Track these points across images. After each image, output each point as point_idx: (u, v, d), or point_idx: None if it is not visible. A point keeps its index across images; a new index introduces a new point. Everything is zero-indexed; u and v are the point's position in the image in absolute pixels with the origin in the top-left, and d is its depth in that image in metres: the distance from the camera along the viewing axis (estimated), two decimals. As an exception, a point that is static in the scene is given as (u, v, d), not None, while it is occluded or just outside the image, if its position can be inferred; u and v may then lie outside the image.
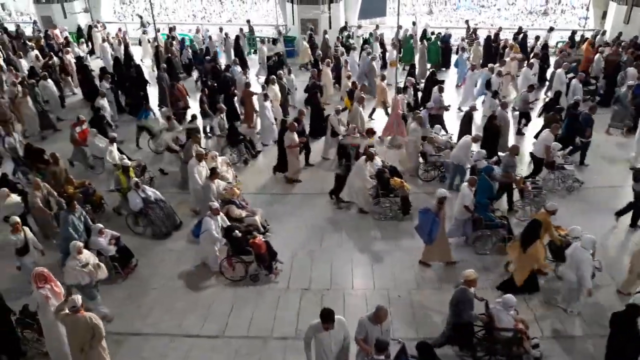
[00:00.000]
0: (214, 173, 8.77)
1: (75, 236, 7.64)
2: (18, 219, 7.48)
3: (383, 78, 13.19)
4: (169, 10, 31.53)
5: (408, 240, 8.53)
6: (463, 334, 6.04)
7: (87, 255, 6.99)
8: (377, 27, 18.35)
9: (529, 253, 6.89)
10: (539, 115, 13.08)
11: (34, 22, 23.27)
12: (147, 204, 8.55)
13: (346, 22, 19.70)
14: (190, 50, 17.46)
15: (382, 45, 17.45)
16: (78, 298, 5.69)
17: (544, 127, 11.05)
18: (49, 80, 13.23)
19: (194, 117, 11.40)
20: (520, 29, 18.20)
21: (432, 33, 18.43)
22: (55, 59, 16.30)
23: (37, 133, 12.74)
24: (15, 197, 8.58)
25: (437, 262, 7.84)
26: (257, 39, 20.06)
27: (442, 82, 13.49)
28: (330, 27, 18.92)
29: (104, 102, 12.00)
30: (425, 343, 5.48)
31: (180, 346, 6.76)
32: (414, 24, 19.40)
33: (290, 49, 19.10)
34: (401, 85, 13.65)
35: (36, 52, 17.33)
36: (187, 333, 6.96)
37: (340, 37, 17.97)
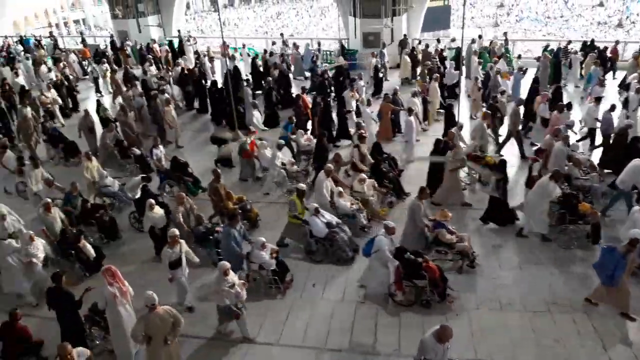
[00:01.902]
0: (339, 193, 8.64)
1: (239, 250, 7.47)
2: (177, 232, 7.23)
3: (503, 92, 12.39)
4: (231, 26, 32.25)
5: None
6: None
7: (233, 276, 6.71)
8: (474, 40, 17.52)
9: None
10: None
11: (111, 36, 23.87)
12: (331, 228, 8.07)
13: (405, 35, 19.23)
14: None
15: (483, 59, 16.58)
16: (154, 295, 5.71)
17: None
18: (165, 95, 13.13)
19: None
20: (592, 41, 17.14)
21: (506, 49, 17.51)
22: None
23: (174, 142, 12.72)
24: (159, 210, 8.34)
25: (610, 305, 6.92)
26: (329, 52, 19.88)
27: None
28: (392, 41, 18.64)
29: (256, 114, 11.69)
30: None
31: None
32: (480, 37, 18.58)
33: (352, 62, 18.75)
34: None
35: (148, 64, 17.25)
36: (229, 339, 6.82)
37: (438, 49, 17.32)
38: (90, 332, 6.63)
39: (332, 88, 14.64)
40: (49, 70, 16.92)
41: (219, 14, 15.05)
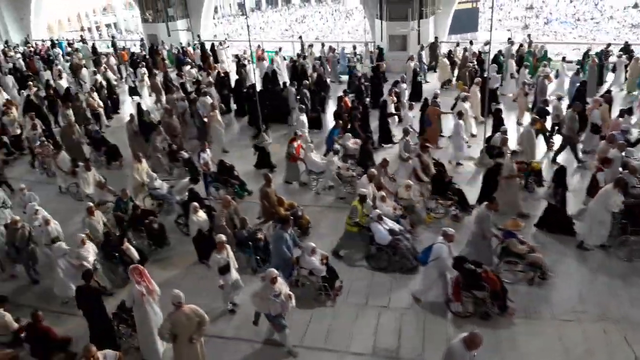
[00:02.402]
0: (382, 197, 8.44)
1: (289, 255, 7.38)
2: (224, 238, 7.17)
3: (560, 98, 12.01)
4: (257, 29, 32.43)
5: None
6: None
7: (280, 284, 6.53)
8: (512, 43, 17.10)
9: None
10: None
11: (141, 40, 24.15)
12: (394, 235, 7.87)
13: (436, 38, 18.90)
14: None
15: (520, 62, 16.10)
16: (180, 293, 5.78)
17: None
18: (208, 98, 13.13)
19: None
20: (626, 43, 16.51)
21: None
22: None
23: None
24: (203, 214, 8.28)
25: None
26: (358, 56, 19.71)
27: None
28: (419, 43, 18.30)
29: (303, 118, 11.59)
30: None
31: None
32: (509, 40, 18.00)
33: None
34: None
35: (189, 67, 17.57)
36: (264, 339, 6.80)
37: (476, 51, 16.94)
38: (117, 329, 6.76)
39: (369, 91, 14.44)
40: (94, 73, 17.00)
41: (246, 18, 14.98)
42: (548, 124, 11.42)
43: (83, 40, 24.83)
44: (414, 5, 17.79)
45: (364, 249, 8.18)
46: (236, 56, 17.24)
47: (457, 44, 17.79)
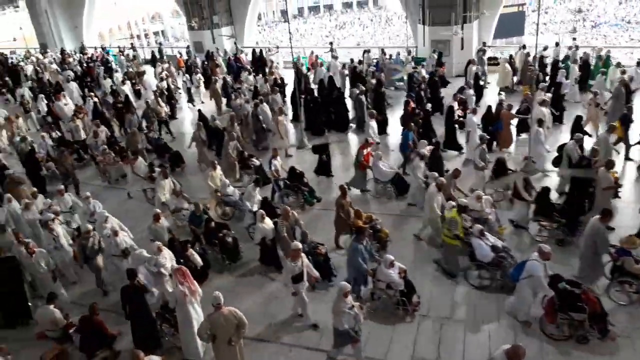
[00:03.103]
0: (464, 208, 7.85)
1: (365, 267, 7.18)
2: (299, 245, 7.04)
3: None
4: (298, 36, 32.62)
5: None
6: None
7: (352, 298, 6.38)
8: (577, 47, 16.33)
9: None
10: None
11: (187, 47, 24.58)
12: (497, 252, 7.44)
13: (484, 43, 18.28)
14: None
15: (584, 68, 15.33)
16: (220, 295, 5.87)
17: None
18: (266, 105, 13.14)
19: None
20: None
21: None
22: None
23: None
24: (269, 222, 8.17)
25: None
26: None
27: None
28: (462, 48, 17.87)
29: (374, 124, 11.40)
30: None
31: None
32: (557, 44, 17.23)
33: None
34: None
35: (247, 74, 17.62)
36: (305, 345, 6.82)
37: (537, 56, 16.24)
38: (160, 328, 6.94)
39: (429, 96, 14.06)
40: (161, 79, 17.25)
41: (288, 25, 14.97)
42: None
43: (133, 48, 25.49)
44: (457, 10, 17.39)
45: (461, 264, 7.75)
46: (294, 63, 17.12)
47: (520, 48, 17.08)
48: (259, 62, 19.79)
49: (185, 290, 6.48)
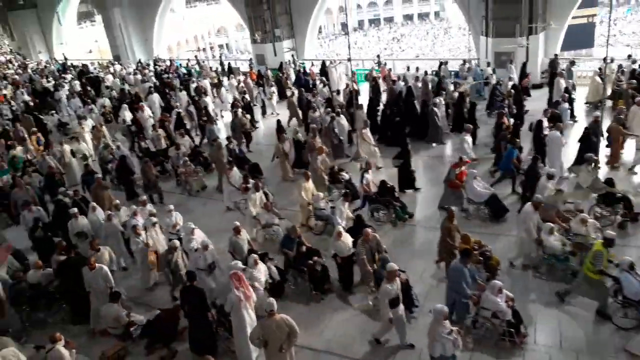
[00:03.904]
0: (550, 230, 7.57)
1: (468, 292, 6.81)
2: (395, 267, 6.67)
3: None
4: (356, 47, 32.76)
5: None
6: None
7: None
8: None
9: None
10: None
11: (250, 59, 25.15)
12: None
13: (556, 55, 17.36)
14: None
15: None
16: (273, 301, 5.99)
17: None
18: (342, 116, 13.14)
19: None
20: None
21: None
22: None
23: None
24: (347, 239, 7.91)
25: None
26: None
27: None
28: (527, 60, 17.07)
29: (468, 139, 11.10)
30: None
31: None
32: (629, 57, 15.97)
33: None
34: None
35: (322, 86, 17.77)
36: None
37: (625, 69, 15.32)
38: (216, 331, 7.06)
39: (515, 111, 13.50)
40: (243, 92, 17.39)
41: (348, 38, 14.84)
42: None
43: (197, 61, 26.39)
44: (522, 21, 16.76)
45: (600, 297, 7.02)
46: (373, 78, 16.92)
47: (611, 60, 16.10)
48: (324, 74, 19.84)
49: (241, 295, 6.59)
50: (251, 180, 10.23)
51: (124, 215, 9.56)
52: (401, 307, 6.74)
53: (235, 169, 11.00)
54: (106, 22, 28.52)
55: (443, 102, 13.59)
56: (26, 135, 15.46)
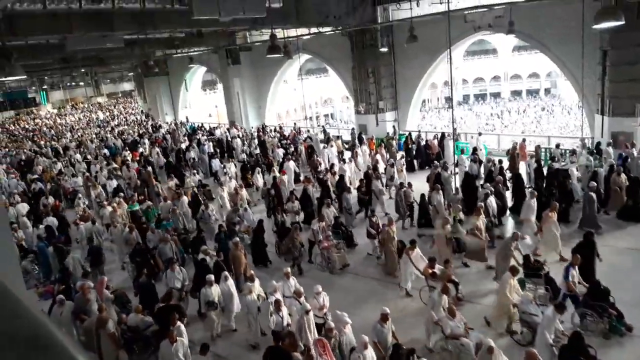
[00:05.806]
0: None
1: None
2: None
3: None
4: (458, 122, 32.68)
5: None
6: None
7: None
8: None
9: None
10: None
11: (352, 129, 26.07)
12: None
13: None
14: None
15: None
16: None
17: None
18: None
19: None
20: None
21: None
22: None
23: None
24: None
25: None
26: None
27: None
28: None
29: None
30: None
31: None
32: None
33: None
34: None
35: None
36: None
37: None
38: None
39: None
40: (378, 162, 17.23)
41: (452, 112, 14.25)
42: None
43: (324, 130, 27.15)
44: None
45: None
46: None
47: None
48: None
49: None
50: (438, 266, 8.72)
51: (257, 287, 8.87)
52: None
53: (417, 249, 9.29)
54: (226, 90, 31.75)
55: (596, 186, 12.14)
56: (161, 191, 16.75)
